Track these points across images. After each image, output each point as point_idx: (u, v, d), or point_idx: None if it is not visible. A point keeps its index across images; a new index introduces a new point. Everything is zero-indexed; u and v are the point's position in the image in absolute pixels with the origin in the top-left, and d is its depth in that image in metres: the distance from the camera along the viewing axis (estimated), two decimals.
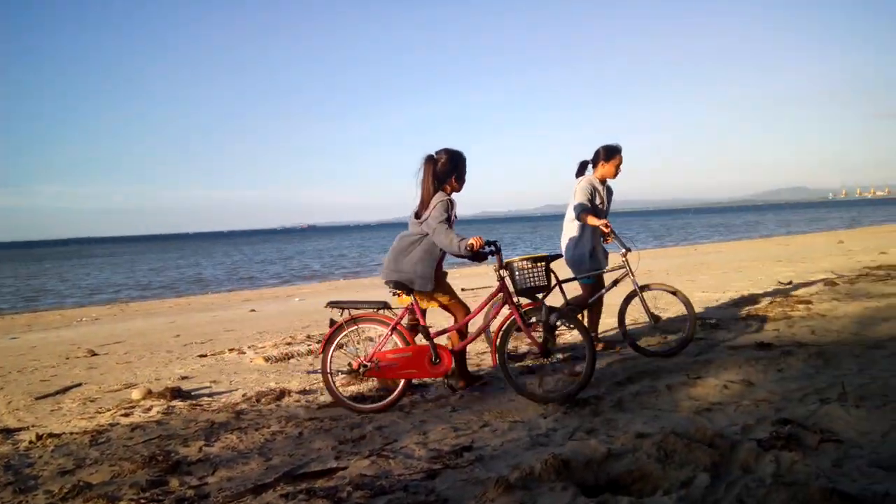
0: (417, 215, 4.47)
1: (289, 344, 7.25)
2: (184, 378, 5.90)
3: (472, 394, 4.55)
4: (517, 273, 4.43)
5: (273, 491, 3.02)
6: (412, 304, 4.40)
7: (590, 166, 5.68)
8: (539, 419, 3.85)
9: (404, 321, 4.52)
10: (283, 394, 4.88)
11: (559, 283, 5.30)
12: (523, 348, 5.77)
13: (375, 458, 3.32)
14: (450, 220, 4.37)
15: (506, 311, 4.45)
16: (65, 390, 5.68)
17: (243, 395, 5.00)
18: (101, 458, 3.66)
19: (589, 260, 5.52)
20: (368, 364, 4.30)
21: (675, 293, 5.31)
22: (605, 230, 5.35)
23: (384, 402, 4.34)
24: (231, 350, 7.16)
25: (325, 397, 4.75)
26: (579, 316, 5.34)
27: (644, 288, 5.35)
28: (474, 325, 5.07)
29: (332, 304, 4.48)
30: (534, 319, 4.34)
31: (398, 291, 4.43)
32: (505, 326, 4.31)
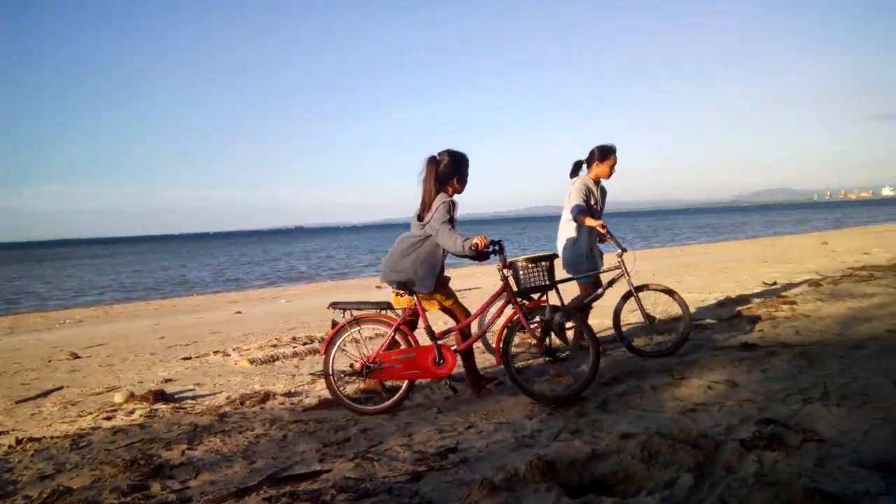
0: (420, 217, 4.43)
1: (274, 346, 7.21)
2: (167, 381, 5.86)
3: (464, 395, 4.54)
4: (521, 272, 4.41)
5: (256, 494, 2.99)
6: (415, 304, 4.37)
7: (584, 166, 5.69)
8: (524, 420, 3.85)
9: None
10: (267, 396, 4.85)
11: (555, 283, 5.31)
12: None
13: (360, 461, 3.30)
14: (452, 221, 4.35)
15: (509, 310, 4.44)
16: (46, 394, 5.62)
17: (227, 398, 4.97)
18: (81, 462, 3.62)
19: (586, 260, 5.52)
20: (372, 365, 4.27)
21: (670, 294, 5.33)
22: (602, 231, 5.36)
23: (388, 403, 4.31)
24: (216, 352, 7.11)
25: (310, 400, 4.73)
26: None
27: (640, 288, 5.37)
28: (475, 324, 5.06)
29: (335, 305, 4.46)
30: (537, 319, 4.34)
31: (400, 292, 4.41)
32: (509, 326, 4.30)
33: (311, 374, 5.62)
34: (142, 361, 7.08)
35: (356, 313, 4.41)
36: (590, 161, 5.63)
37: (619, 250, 5.32)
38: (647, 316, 5.37)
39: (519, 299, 4.45)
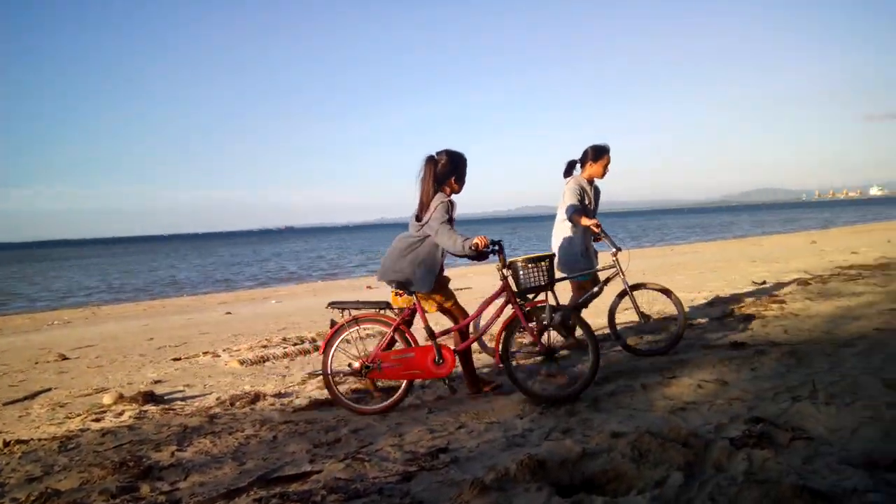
0: (418, 218, 4.41)
1: (264, 347, 7.18)
2: (157, 382, 5.83)
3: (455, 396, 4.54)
4: (521, 272, 4.39)
5: (246, 496, 2.98)
6: (414, 303, 4.35)
7: (578, 166, 5.69)
8: (515, 420, 3.85)
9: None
10: (257, 397, 4.83)
11: (554, 283, 5.31)
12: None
13: (350, 462, 3.29)
14: (451, 221, 4.33)
15: (508, 310, 4.43)
16: (34, 395, 5.58)
17: (217, 399, 4.94)
18: (70, 464, 3.59)
19: (582, 259, 5.52)
20: (371, 365, 4.25)
21: (666, 293, 5.35)
22: (596, 230, 5.36)
23: (387, 402, 4.30)
24: (205, 353, 7.09)
25: (301, 400, 4.72)
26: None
27: (635, 287, 5.38)
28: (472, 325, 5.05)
29: (334, 305, 4.42)
30: (536, 319, 4.34)
31: (399, 291, 4.40)
32: (508, 326, 4.30)
33: (309, 373, 5.59)
34: (131, 362, 7.04)
35: (355, 313, 4.39)
36: (583, 161, 5.64)
37: (614, 249, 5.34)
38: (641, 315, 5.39)
39: (517, 300, 4.45)
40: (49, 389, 5.80)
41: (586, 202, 5.59)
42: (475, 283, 12.83)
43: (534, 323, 4.36)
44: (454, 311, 4.54)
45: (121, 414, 4.63)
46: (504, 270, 4.35)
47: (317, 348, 6.92)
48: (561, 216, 5.59)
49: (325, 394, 4.81)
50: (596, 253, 5.78)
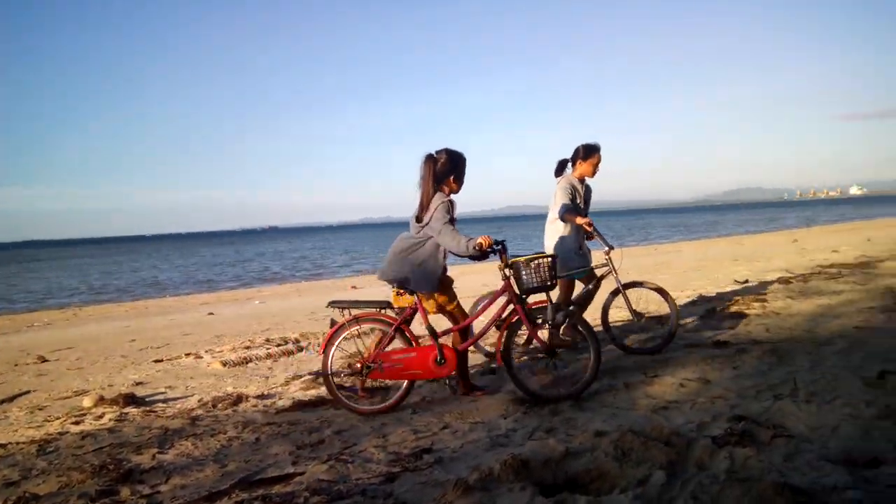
0: (419, 219, 4.37)
1: (247, 348, 7.13)
2: (138, 384, 5.77)
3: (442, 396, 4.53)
4: (523, 272, 4.36)
5: (228, 498, 2.96)
6: (415, 303, 4.31)
7: (569, 165, 5.70)
8: (499, 420, 3.85)
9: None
10: (240, 399, 4.80)
11: (556, 283, 5.31)
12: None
13: (334, 463, 3.27)
14: (452, 222, 4.31)
15: (507, 309, 4.42)
16: (12, 398, 5.50)
17: (199, 401, 4.90)
18: (48, 468, 3.54)
19: (576, 257, 5.52)
20: (372, 365, 4.21)
21: (659, 291, 5.38)
22: (588, 229, 5.37)
23: (387, 402, 4.27)
24: (188, 354, 7.02)
25: (284, 402, 4.68)
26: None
27: (628, 286, 5.40)
28: (478, 325, 5.03)
29: (334, 304, 4.39)
30: (540, 319, 4.33)
31: (401, 291, 4.37)
32: (510, 326, 4.28)
33: (309, 373, 5.52)
34: (112, 364, 6.97)
35: (355, 312, 4.35)
36: (574, 160, 5.64)
37: (607, 248, 5.35)
38: (634, 313, 5.40)
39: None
40: (28, 392, 5.72)
41: (578, 201, 5.59)
42: (459, 284, 12.84)
43: (538, 323, 4.36)
44: (455, 312, 4.50)
45: (101, 416, 4.57)
46: (506, 270, 4.35)
47: (301, 349, 6.90)
48: (553, 215, 5.59)
49: (308, 395, 4.79)
50: (589, 251, 5.79)
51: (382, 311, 4.40)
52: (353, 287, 16.48)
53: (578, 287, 5.66)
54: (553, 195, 5.61)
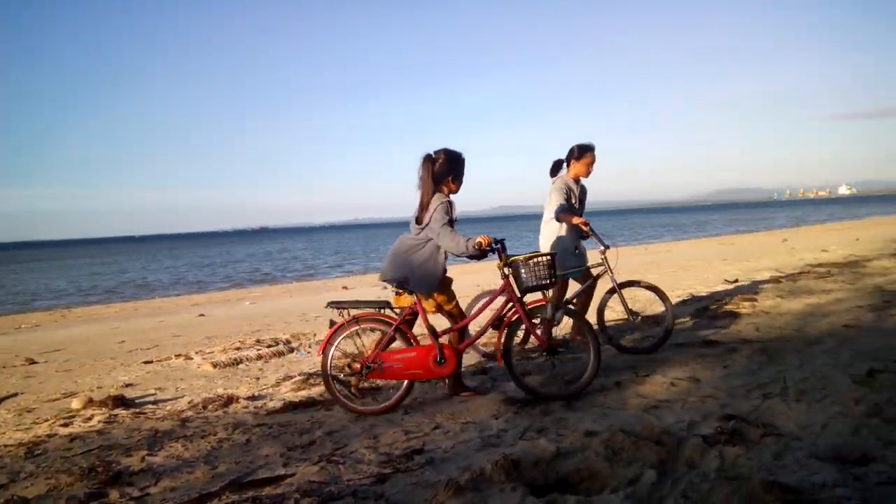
0: (419, 220, 4.34)
1: (238, 349, 7.10)
2: (127, 385, 5.73)
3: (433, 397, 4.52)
4: (523, 271, 4.33)
5: (218, 500, 2.95)
6: (415, 303, 4.30)
7: (564, 165, 5.70)
8: (490, 420, 3.85)
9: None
10: (230, 400, 4.77)
11: (556, 281, 5.30)
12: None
13: (324, 464, 3.26)
14: (451, 223, 4.29)
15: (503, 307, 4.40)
16: (0, 401, 5.45)
17: (189, 402, 4.87)
18: (36, 471, 3.51)
19: (572, 257, 5.52)
20: (372, 365, 4.18)
21: (654, 290, 5.40)
22: (585, 228, 5.37)
23: (387, 403, 4.25)
24: (178, 356, 6.99)
25: (275, 403, 4.66)
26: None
27: (623, 285, 5.41)
28: (477, 324, 5.02)
29: (333, 304, 4.35)
30: (539, 318, 4.32)
31: (401, 291, 4.35)
32: (510, 324, 4.28)
33: (309, 374, 5.49)
34: (101, 366, 6.92)
35: (355, 312, 4.32)
36: (568, 160, 5.65)
37: (602, 247, 5.36)
38: (630, 312, 5.41)
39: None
40: (16, 394, 5.67)
41: (573, 201, 5.59)
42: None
43: (538, 322, 4.36)
44: (454, 311, 4.49)
45: (90, 418, 4.54)
46: (505, 269, 4.34)
47: (291, 350, 6.87)
48: (548, 215, 5.59)
49: (299, 396, 4.78)
50: (585, 251, 5.79)
51: (382, 312, 4.38)
52: (344, 287, 16.45)
53: (574, 287, 5.67)
54: (548, 195, 5.62)
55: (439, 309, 4.46)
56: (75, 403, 4.92)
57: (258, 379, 5.61)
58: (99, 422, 4.45)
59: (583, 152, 5.58)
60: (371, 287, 15.37)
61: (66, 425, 4.43)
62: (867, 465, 2.69)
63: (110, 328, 11.11)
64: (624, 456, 2.89)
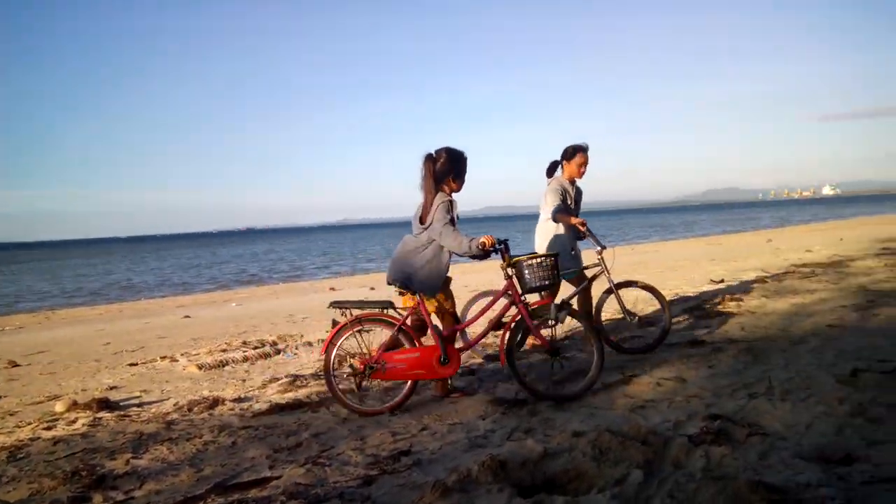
0: (422, 220, 4.33)
1: (224, 351, 7.06)
2: (112, 388, 5.68)
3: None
4: (526, 271, 4.32)
5: (203, 503, 2.93)
6: (418, 304, 4.28)
7: (560, 166, 5.71)
8: (478, 421, 3.85)
9: (409, 321, 4.38)
10: (216, 402, 4.74)
11: (559, 282, 5.29)
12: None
13: (311, 466, 3.25)
14: (453, 222, 4.27)
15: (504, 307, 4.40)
16: None
17: (175, 405, 4.83)
18: (19, 474, 3.47)
19: (568, 259, 5.51)
20: (375, 365, 4.16)
21: (650, 290, 5.42)
22: (582, 228, 5.37)
23: (390, 403, 4.23)
24: (163, 358, 6.94)
25: (261, 405, 4.64)
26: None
27: (620, 285, 5.41)
28: (478, 326, 5.00)
29: (335, 305, 4.32)
30: (542, 318, 4.32)
31: (402, 291, 4.33)
32: (513, 325, 4.27)
33: (296, 375, 5.46)
34: (85, 368, 6.86)
35: (357, 312, 4.29)
36: (562, 161, 5.66)
37: (599, 248, 5.37)
38: (627, 312, 5.43)
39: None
40: None
41: (568, 202, 5.59)
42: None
43: (540, 322, 4.36)
44: (453, 311, 4.49)
45: (74, 421, 4.50)
46: (508, 269, 4.33)
47: (278, 352, 6.84)
48: (544, 216, 5.59)
49: (286, 398, 4.75)
50: (580, 252, 5.79)
51: (385, 312, 4.36)
52: (332, 289, 16.39)
53: (567, 288, 5.68)
54: (543, 196, 5.61)
55: (439, 309, 4.45)
56: (59, 406, 4.87)
57: (244, 381, 5.58)
58: (83, 425, 4.40)
59: (572, 153, 5.58)
60: (359, 288, 15.33)
61: (49, 428, 4.38)
62: (851, 465, 2.72)
63: (95, 330, 11.01)
64: (611, 456, 2.90)
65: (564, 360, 4.58)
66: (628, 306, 5.49)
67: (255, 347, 7.09)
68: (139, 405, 4.98)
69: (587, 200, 5.86)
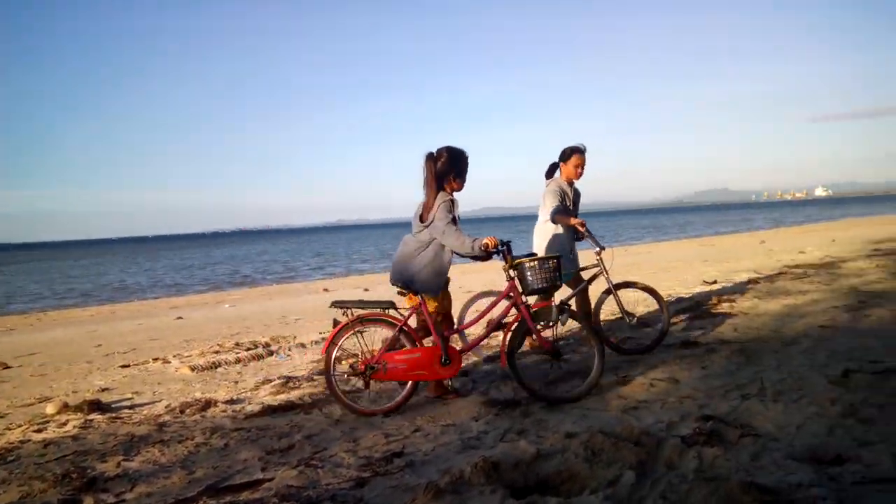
0: (422, 218, 4.32)
1: (216, 352, 7.03)
2: (104, 390, 5.65)
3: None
4: (529, 273, 4.31)
5: None
6: (420, 304, 4.26)
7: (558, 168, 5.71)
8: (471, 422, 3.84)
9: (412, 322, 4.38)
10: (208, 404, 4.72)
11: (561, 283, 5.29)
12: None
13: (303, 468, 3.24)
14: (455, 220, 4.26)
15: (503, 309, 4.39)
16: None
17: (167, 407, 4.81)
18: (9, 477, 3.45)
19: (567, 260, 5.51)
20: (375, 366, 4.14)
21: (649, 291, 5.43)
22: (581, 229, 5.37)
23: (390, 404, 4.21)
24: (155, 359, 6.90)
25: (253, 407, 4.62)
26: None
27: (619, 286, 5.42)
28: (478, 327, 4.99)
29: (337, 304, 4.30)
30: (544, 320, 4.32)
31: (402, 292, 4.32)
32: (514, 327, 4.26)
33: (289, 377, 5.44)
34: (77, 370, 6.82)
35: (358, 312, 4.27)
36: (560, 162, 5.66)
37: (598, 248, 5.37)
38: (626, 313, 5.43)
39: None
40: None
41: (567, 203, 5.59)
42: None
43: (542, 324, 4.35)
44: (450, 312, 4.48)
45: (65, 424, 4.47)
46: (511, 271, 4.33)
47: (271, 353, 6.82)
48: (543, 218, 5.59)
49: (278, 399, 4.73)
50: (577, 254, 5.78)
51: (386, 312, 4.34)
52: (325, 290, 16.36)
53: (566, 290, 5.68)
54: (542, 198, 5.61)
55: (437, 310, 4.43)
56: (50, 408, 4.84)
57: (237, 383, 5.56)
58: (74, 427, 4.38)
59: (568, 155, 5.59)
60: (353, 289, 15.31)
61: (39, 431, 4.35)
62: (842, 465, 2.72)
63: (87, 331, 10.95)
64: (604, 457, 2.90)
65: (563, 362, 4.58)
66: (626, 307, 5.50)
67: (248, 349, 7.07)
68: (131, 407, 4.95)
69: (581, 202, 5.86)
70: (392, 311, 4.35)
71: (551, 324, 4.35)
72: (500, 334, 4.58)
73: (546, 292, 4.44)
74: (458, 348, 4.35)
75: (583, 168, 5.60)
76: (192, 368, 6.18)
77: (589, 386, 4.18)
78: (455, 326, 4.68)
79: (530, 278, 4.30)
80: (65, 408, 4.82)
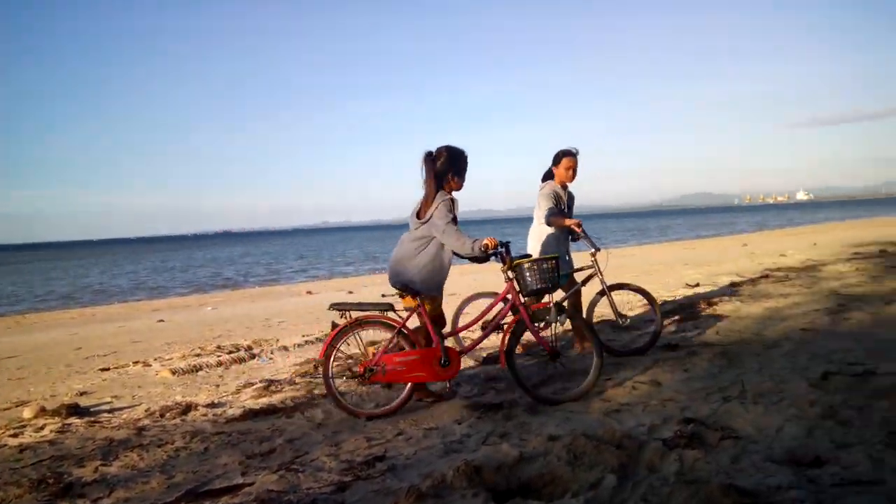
0: (419, 215, 4.29)
1: (198, 355, 6.97)
2: (83, 393, 5.58)
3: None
4: (528, 274, 4.30)
5: None
6: (419, 306, 4.24)
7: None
8: (454, 425, 3.83)
9: (412, 324, 4.35)
10: (189, 408, 4.68)
11: (560, 285, 5.28)
12: None
13: (284, 473, 3.21)
14: (455, 220, 4.24)
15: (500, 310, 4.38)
16: None
17: (146, 410, 4.76)
18: None
19: (563, 262, 5.50)
20: (374, 368, 4.11)
21: (642, 293, 5.45)
22: (577, 230, 5.38)
23: (389, 406, 4.19)
24: (136, 363, 6.83)
25: (234, 410, 4.58)
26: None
27: (613, 287, 5.42)
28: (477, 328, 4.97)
29: (335, 307, 4.25)
30: (543, 321, 4.31)
31: (402, 293, 4.29)
32: (513, 328, 4.25)
33: (270, 381, 5.39)
34: (56, 374, 6.73)
35: (357, 315, 4.24)
36: (552, 166, 5.67)
37: (593, 249, 5.38)
38: (618, 315, 5.44)
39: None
40: None
41: (561, 206, 5.60)
42: None
43: (542, 324, 4.34)
44: (443, 313, 4.47)
45: (42, 428, 4.40)
46: (509, 272, 4.32)
47: (253, 356, 6.77)
48: (538, 220, 5.59)
49: (260, 403, 4.70)
50: (572, 256, 5.78)
51: (385, 314, 4.31)
52: (309, 292, 16.29)
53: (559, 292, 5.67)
54: (537, 201, 5.62)
55: (433, 310, 4.40)
56: (27, 413, 4.77)
57: (218, 386, 5.51)
58: (51, 431, 4.32)
59: (561, 158, 5.60)
60: (336, 292, 15.24)
61: (15, 435, 4.29)
62: (821, 467, 2.74)
63: (66, 334, 10.82)
64: (585, 460, 2.90)
65: (561, 364, 4.57)
66: (626, 309, 5.52)
67: (230, 352, 7.01)
68: (110, 411, 4.89)
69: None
70: (391, 314, 4.32)
71: (549, 324, 4.36)
72: (500, 334, 4.57)
73: (544, 293, 4.45)
74: (457, 350, 4.34)
75: (575, 171, 5.62)
76: (173, 372, 6.12)
77: (588, 386, 4.19)
78: (449, 329, 4.66)
79: (529, 279, 4.31)
80: (42, 412, 4.75)
